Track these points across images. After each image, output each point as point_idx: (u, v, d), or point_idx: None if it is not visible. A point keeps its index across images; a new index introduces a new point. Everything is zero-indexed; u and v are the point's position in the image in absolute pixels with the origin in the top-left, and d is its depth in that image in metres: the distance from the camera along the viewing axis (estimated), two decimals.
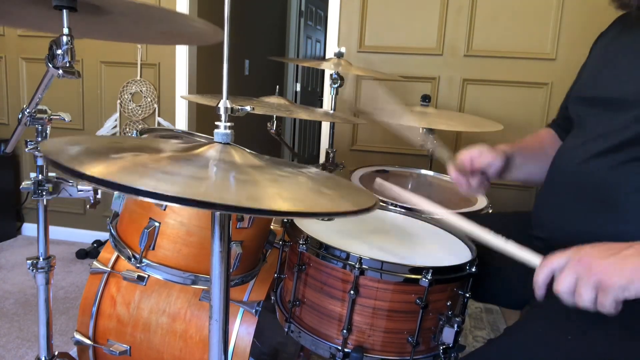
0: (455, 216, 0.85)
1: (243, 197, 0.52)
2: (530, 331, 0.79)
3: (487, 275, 0.98)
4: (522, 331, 0.81)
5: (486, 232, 0.79)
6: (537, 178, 1.09)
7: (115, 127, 2.76)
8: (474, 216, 1.36)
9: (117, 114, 2.75)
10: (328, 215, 0.55)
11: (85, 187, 1.08)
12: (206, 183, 0.55)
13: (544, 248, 0.95)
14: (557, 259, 0.71)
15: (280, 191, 0.57)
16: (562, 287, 0.68)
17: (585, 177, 0.90)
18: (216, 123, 0.66)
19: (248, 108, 0.69)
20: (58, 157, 0.48)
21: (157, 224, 0.99)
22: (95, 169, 0.47)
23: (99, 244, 2.80)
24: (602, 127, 0.89)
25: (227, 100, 0.65)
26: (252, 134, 2.55)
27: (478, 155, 1.02)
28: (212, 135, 0.67)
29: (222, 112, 0.65)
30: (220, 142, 0.66)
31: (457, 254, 0.99)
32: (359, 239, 1.03)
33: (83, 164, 0.48)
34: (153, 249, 1.01)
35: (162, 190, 0.45)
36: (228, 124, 0.66)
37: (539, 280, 0.72)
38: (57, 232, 2.89)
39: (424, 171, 1.80)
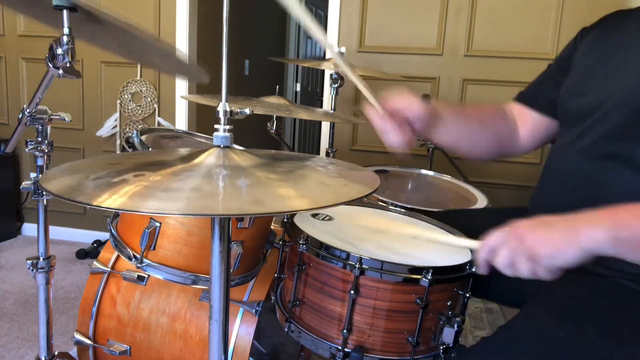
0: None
1: (258, 203, 0.53)
2: (524, 328, 0.79)
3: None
4: (516, 328, 0.81)
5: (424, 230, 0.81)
6: (464, 146, 1.05)
7: (115, 127, 2.76)
8: (470, 212, 1.36)
9: (117, 114, 2.76)
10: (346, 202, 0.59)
11: None
12: (214, 193, 0.56)
13: None
14: (495, 237, 0.74)
15: (291, 189, 0.60)
16: (501, 263, 0.72)
17: (577, 175, 0.91)
18: (215, 126, 0.65)
19: (247, 111, 0.69)
20: (61, 191, 0.53)
21: (157, 224, 0.99)
22: (100, 199, 0.51)
23: (99, 244, 2.80)
24: (593, 126, 0.89)
25: (226, 103, 0.65)
26: (252, 134, 2.55)
27: (406, 105, 0.88)
28: (212, 136, 0.67)
29: (221, 115, 0.65)
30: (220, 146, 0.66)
31: (457, 254, 0.99)
32: (358, 238, 1.03)
33: (85, 194, 0.53)
34: (154, 249, 1.01)
35: (169, 210, 0.49)
36: (227, 126, 0.66)
37: (480, 260, 0.76)
38: (57, 232, 2.89)
39: (424, 171, 1.80)
